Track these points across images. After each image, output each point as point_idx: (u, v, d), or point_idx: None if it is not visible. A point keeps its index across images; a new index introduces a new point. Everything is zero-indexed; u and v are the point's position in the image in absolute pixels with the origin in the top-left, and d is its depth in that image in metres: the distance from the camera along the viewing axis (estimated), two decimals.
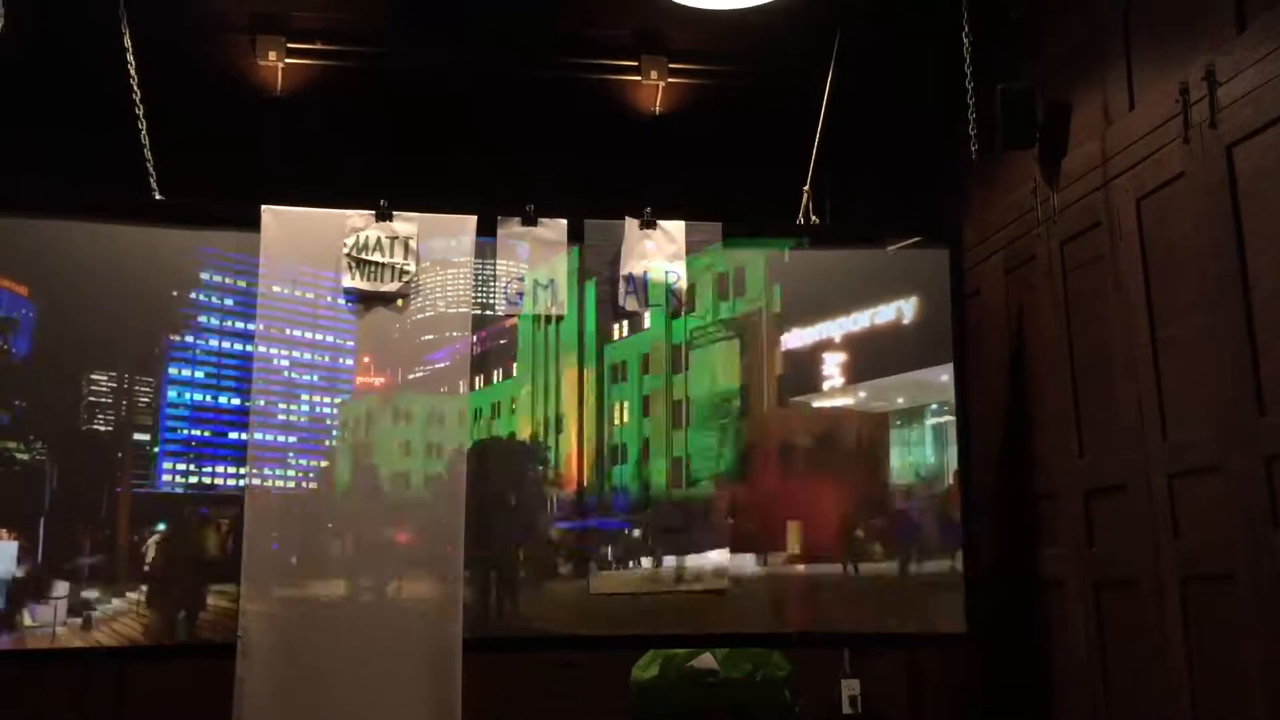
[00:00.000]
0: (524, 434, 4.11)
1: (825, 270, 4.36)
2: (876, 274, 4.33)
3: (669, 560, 4.09)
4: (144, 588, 3.78)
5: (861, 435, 4.29)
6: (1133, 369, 3.66)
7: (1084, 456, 3.94)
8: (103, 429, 3.84)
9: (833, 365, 4.28)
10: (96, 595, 3.75)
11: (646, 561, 4.09)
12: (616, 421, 4.15)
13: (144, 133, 4.29)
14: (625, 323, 4.18)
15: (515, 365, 4.12)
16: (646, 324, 4.18)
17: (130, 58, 4.28)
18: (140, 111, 4.29)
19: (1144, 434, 3.60)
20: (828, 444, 4.27)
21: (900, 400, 4.28)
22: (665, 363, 4.19)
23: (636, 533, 4.09)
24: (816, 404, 4.28)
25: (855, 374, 4.27)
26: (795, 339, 4.29)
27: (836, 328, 4.29)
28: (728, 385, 4.23)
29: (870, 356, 4.27)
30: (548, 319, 4.13)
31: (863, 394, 4.29)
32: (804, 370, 4.28)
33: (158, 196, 4.28)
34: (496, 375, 4.12)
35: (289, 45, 4.72)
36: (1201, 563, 3.37)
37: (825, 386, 4.27)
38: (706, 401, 4.20)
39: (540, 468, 4.10)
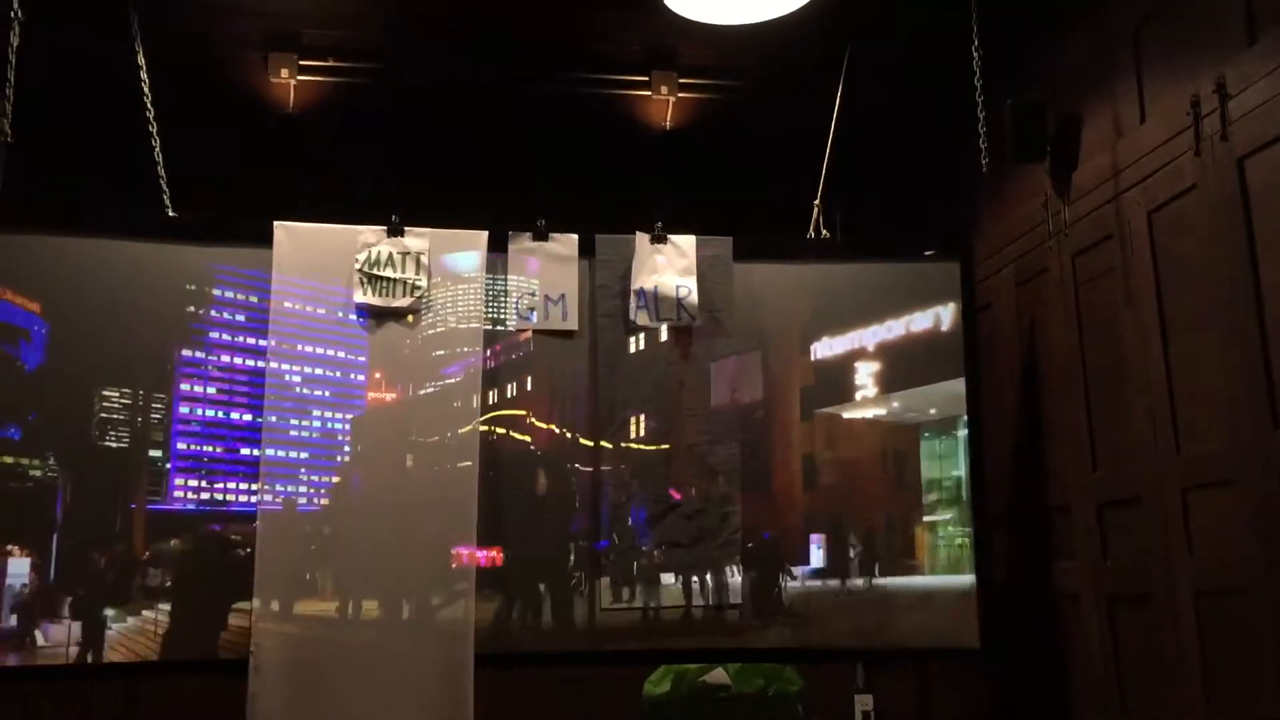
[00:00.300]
0: (538, 448, 4.10)
1: (836, 284, 4.36)
2: (887, 288, 4.32)
3: (682, 575, 4.07)
4: (157, 605, 3.79)
5: (875, 448, 4.28)
6: (1145, 382, 3.64)
7: (1097, 469, 3.92)
8: (115, 445, 3.86)
9: (846, 378, 4.28)
10: (109, 614, 3.75)
11: (660, 576, 4.07)
12: (632, 434, 4.15)
13: (158, 150, 4.32)
14: (641, 335, 4.17)
15: (530, 379, 4.12)
16: (663, 336, 4.18)
17: (144, 76, 4.31)
18: (154, 129, 4.32)
19: (1157, 447, 3.58)
20: (843, 458, 4.26)
21: (923, 412, 4.27)
22: (682, 375, 4.18)
23: (650, 546, 4.07)
24: (833, 416, 4.27)
25: (869, 387, 4.27)
26: (811, 352, 4.29)
27: (849, 342, 4.28)
28: (750, 397, 4.23)
29: (884, 370, 4.26)
30: (560, 333, 4.13)
31: (891, 405, 4.27)
32: (820, 384, 4.27)
33: (171, 213, 4.30)
34: (510, 389, 4.12)
35: (301, 63, 4.75)
36: (1216, 577, 3.35)
37: (836, 400, 4.26)
38: (727, 414, 4.19)
39: (553, 482, 4.09)
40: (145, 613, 3.79)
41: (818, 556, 4.17)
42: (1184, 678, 3.44)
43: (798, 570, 4.15)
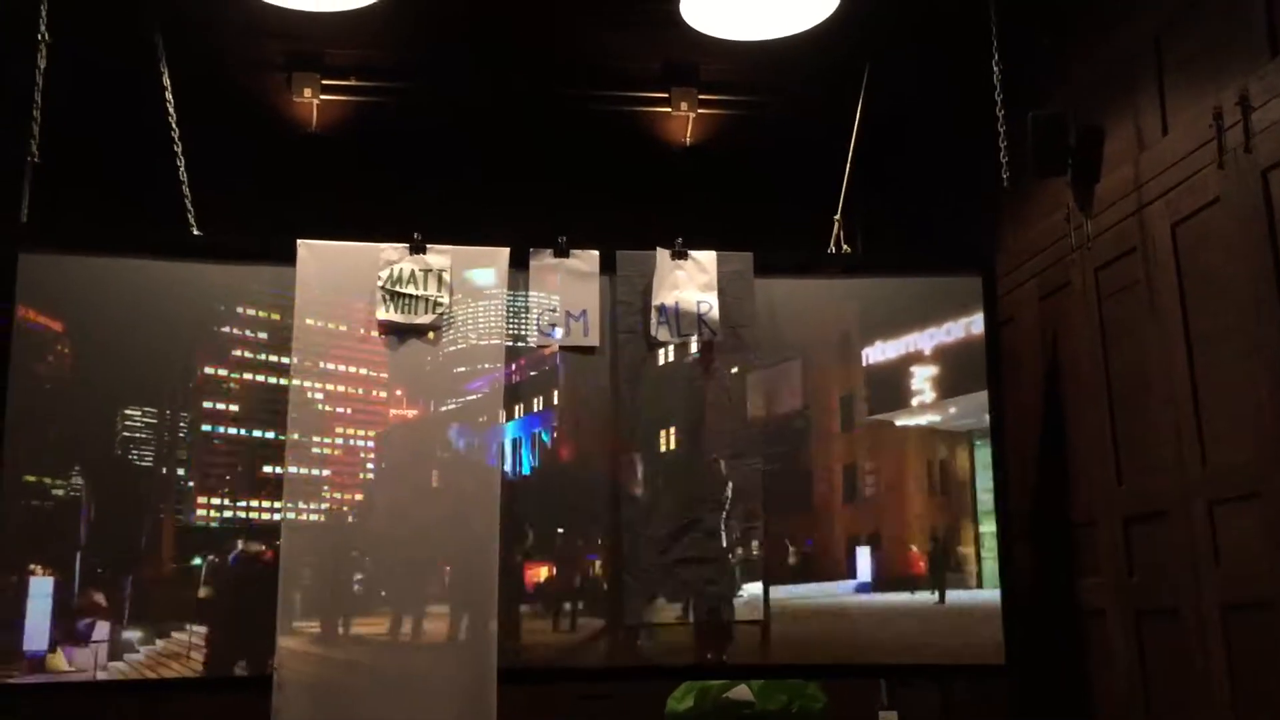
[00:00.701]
0: (560, 464, 4.11)
1: (859, 299, 4.34)
2: (909, 302, 4.31)
3: (705, 590, 4.05)
4: (179, 624, 3.79)
5: (903, 461, 4.27)
6: (1170, 395, 3.62)
7: (1122, 483, 3.90)
8: (138, 463, 3.86)
9: (870, 393, 4.27)
10: (130, 632, 3.74)
11: (682, 592, 4.06)
12: (661, 448, 4.14)
13: (182, 169, 4.36)
14: (664, 350, 4.18)
15: (552, 395, 4.13)
16: (693, 349, 4.17)
17: (169, 96, 4.35)
18: (178, 149, 4.36)
19: (1183, 460, 3.56)
20: (872, 471, 4.25)
21: (953, 424, 4.25)
22: (704, 390, 4.18)
23: (672, 562, 4.06)
24: (861, 431, 4.26)
25: (893, 402, 4.26)
26: (835, 367, 4.28)
27: (871, 356, 4.28)
28: (772, 412, 4.22)
29: (906, 385, 4.25)
30: (582, 349, 4.13)
31: (919, 418, 4.26)
32: (848, 398, 4.27)
33: (195, 232, 4.34)
34: (533, 405, 4.12)
35: (323, 82, 4.79)
36: (1244, 590, 3.31)
37: (864, 414, 4.26)
38: (750, 429, 4.18)
39: (576, 498, 4.09)
40: (168, 631, 3.78)
41: (844, 571, 4.15)
42: (1212, 693, 3.40)
43: (824, 585, 4.13)
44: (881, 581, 4.14)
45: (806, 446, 4.24)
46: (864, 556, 4.17)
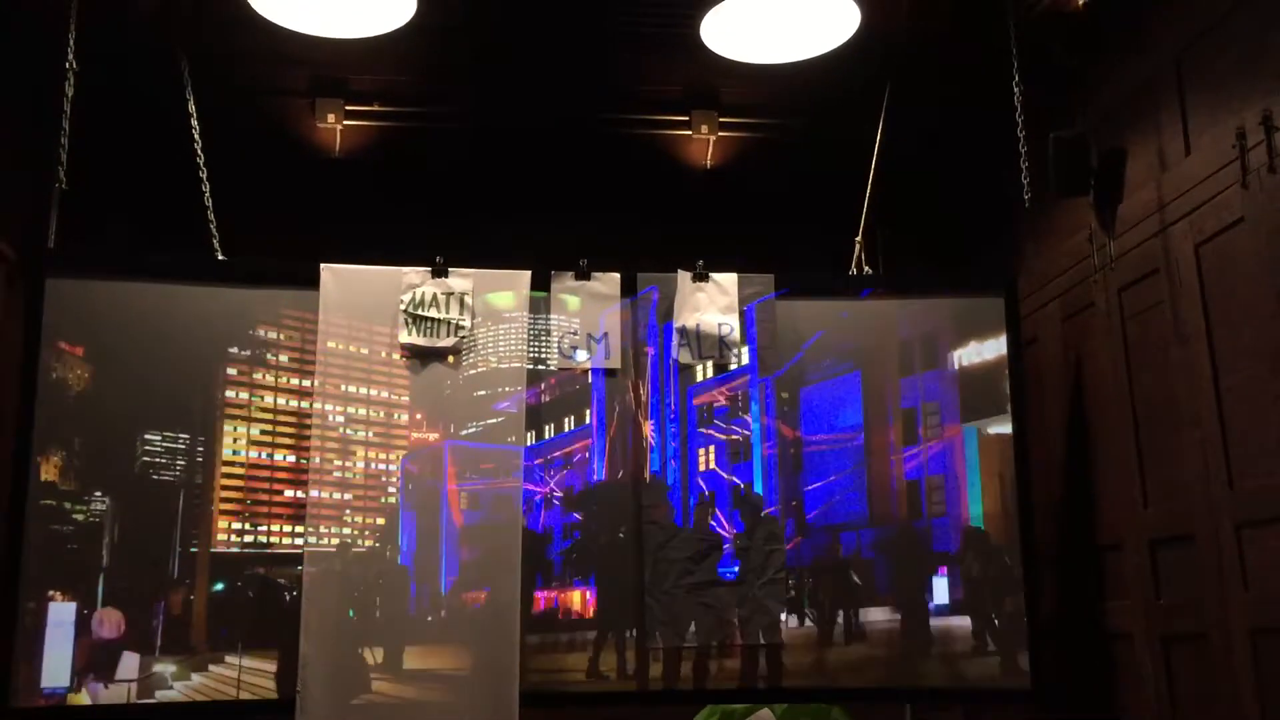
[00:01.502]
0: (582, 487, 4.10)
1: (880, 320, 4.33)
2: (931, 324, 4.29)
3: (728, 613, 4.04)
4: (203, 648, 3.80)
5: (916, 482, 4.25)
6: (1196, 416, 3.59)
7: (1148, 506, 3.86)
8: (159, 488, 3.87)
9: (892, 413, 4.25)
10: (152, 658, 3.75)
11: (705, 614, 4.04)
12: (683, 471, 4.14)
13: (208, 194, 4.40)
14: (695, 369, 4.18)
15: (573, 418, 4.13)
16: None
17: (194, 123, 4.40)
18: (204, 174, 4.40)
19: (1210, 483, 3.53)
20: (889, 491, 4.23)
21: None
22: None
23: (695, 585, 4.04)
24: (877, 448, 4.24)
25: (913, 422, 4.24)
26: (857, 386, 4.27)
27: (893, 377, 4.27)
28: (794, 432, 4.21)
29: (929, 406, 4.23)
30: (606, 371, 4.14)
31: (919, 439, 4.24)
32: (867, 418, 4.25)
33: (220, 256, 4.37)
34: (555, 427, 4.13)
35: (347, 108, 4.83)
36: (1273, 615, 3.28)
37: (884, 435, 4.24)
38: (772, 450, 4.17)
39: (598, 521, 4.08)
40: (194, 658, 3.79)
41: (865, 593, 4.12)
42: (1241, 718, 3.36)
43: (844, 608, 4.11)
44: (906, 604, 4.11)
45: (811, 467, 4.22)
46: (891, 582, 4.14)
